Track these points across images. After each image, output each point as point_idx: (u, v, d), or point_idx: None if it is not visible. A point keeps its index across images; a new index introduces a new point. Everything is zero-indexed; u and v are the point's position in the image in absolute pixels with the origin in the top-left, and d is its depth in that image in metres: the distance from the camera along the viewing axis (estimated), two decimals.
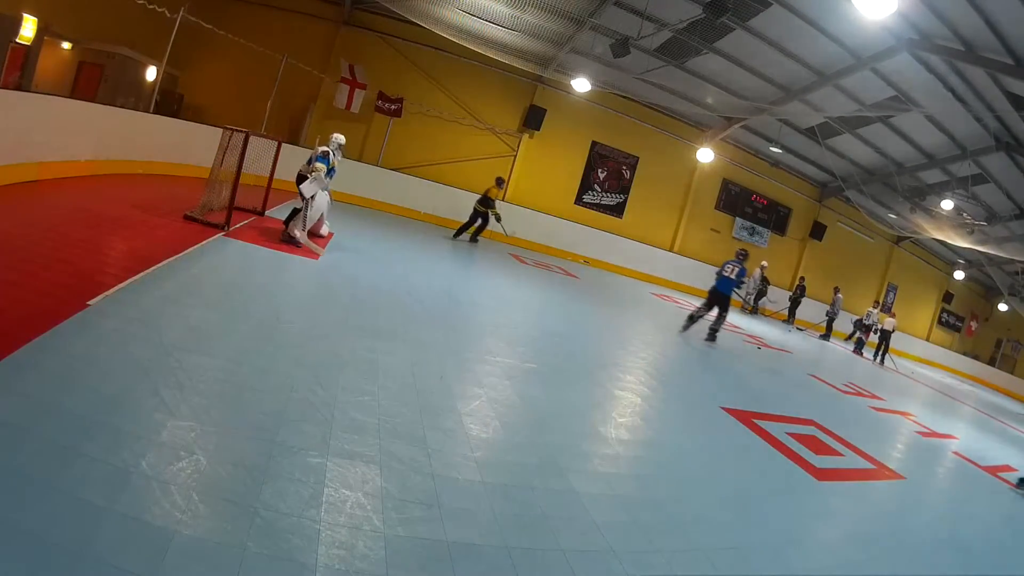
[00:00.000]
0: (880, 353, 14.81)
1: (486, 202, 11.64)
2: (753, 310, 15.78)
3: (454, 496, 2.47)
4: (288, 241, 6.58)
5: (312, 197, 6.59)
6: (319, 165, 6.71)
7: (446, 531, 2.21)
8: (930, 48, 9.28)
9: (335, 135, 7.34)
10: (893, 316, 15.63)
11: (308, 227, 6.67)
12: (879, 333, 14.83)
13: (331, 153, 6.94)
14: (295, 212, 6.76)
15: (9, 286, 3.27)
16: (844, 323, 16.48)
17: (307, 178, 6.64)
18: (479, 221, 11.80)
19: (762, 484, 3.78)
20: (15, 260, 3.71)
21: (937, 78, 10.27)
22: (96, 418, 2.26)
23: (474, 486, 2.61)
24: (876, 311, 15.34)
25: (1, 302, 3.03)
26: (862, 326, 15.20)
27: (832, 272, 17.73)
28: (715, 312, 8.68)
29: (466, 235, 11.85)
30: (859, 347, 15.22)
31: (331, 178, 7.05)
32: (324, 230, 7.38)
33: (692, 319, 8.67)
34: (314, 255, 6.40)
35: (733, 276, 8.68)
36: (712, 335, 8.68)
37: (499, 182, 11.97)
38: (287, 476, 2.26)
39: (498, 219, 11.84)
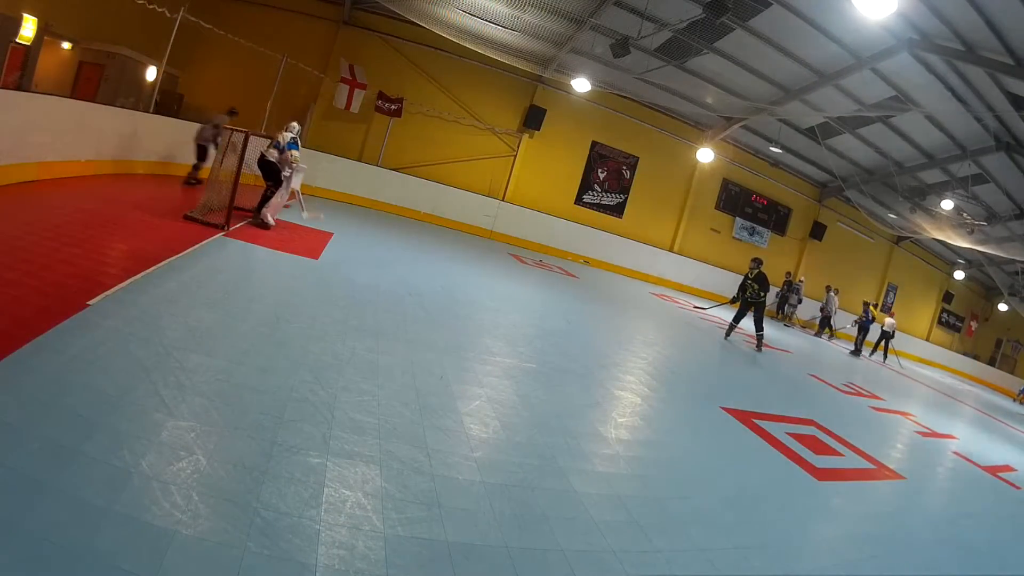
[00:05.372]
0: (873, 349, 14.85)
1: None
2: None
3: (454, 496, 2.47)
4: (260, 225, 7.01)
5: (288, 182, 7.21)
6: (296, 154, 7.30)
7: (446, 531, 2.21)
8: (930, 48, 9.28)
9: (293, 123, 7.63)
10: (892, 315, 15.68)
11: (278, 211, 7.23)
12: (880, 332, 14.87)
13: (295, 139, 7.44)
14: (265, 200, 7.18)
15: (9, 286, 3.27)
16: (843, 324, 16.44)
17: (272, 162, 7.12)
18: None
19: (762, 484, 3.78)
20: (15, 260, 3.71)
21: (937, 78, 10.27)
22: (96, 418, 2.26)
23: (474, 486, 2.60)
24: (834, 296, 16.01)
25: (1, 302, 3.03)
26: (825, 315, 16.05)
27: (832, 272, 17.72)
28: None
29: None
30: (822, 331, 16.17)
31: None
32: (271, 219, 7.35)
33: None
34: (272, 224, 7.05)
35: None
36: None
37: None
38: (287, 476, 2.26)
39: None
